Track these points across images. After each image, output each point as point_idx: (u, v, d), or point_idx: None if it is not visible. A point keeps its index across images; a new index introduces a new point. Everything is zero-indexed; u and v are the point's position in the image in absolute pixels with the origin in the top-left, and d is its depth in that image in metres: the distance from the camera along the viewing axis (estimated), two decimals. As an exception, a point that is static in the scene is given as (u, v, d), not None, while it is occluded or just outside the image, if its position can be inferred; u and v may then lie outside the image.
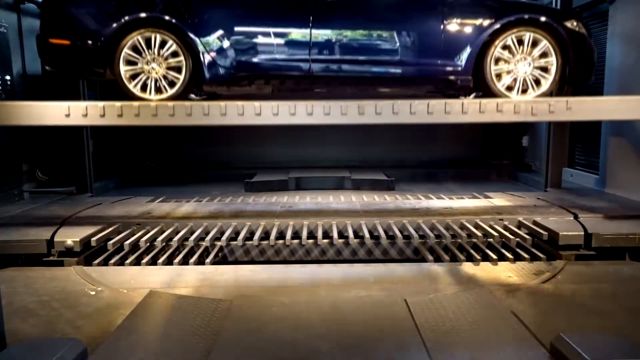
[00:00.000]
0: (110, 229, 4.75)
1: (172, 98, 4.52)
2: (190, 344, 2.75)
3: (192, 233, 4.77)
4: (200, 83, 4.62)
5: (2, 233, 4.50)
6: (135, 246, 4.62)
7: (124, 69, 4.48)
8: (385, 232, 4.80)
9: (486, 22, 4.54)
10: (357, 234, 4.85)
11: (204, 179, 8.18)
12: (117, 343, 2.74)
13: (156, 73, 4.49)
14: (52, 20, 4.62)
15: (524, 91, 4.59)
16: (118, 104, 4.25)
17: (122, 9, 4.48)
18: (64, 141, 6.50)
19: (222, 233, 4.79)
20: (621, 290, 3.58)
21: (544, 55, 4.56)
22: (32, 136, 6.36)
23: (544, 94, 4.60)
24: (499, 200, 5.84)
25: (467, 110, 4.25)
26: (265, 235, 4.80)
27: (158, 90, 4.53)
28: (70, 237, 4.38)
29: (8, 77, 5.91)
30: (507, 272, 4.01)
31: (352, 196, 6.21)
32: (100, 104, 4.26)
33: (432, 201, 5.84)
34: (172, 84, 4.52)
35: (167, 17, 4.44)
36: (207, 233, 4.77)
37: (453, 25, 4.59)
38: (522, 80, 4.58)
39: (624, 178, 5.86)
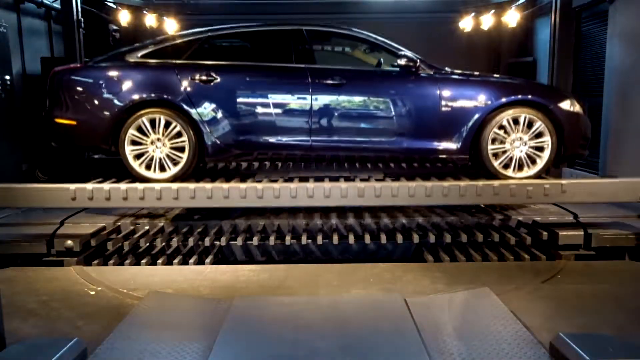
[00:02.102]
0: (109, 229, 4.75)
1: (176, 176, 4.57)
2: (190, 343, 2.75)
3: (192, 233, 4.77)
4: (204, 157, 4.76)
5: (2, 233, 4.50)
6: (134, 246, 4.62)
7: (128, 149, 4.54)
8: (386, 232, 4.79)
9: (482, 104, 4.60)
10: (357, 234, 4.85)
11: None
12: (117, 343, 2.74)
13: (161, 152, 4.54)
14: (58, 101, 4.68)
15: (520, 166, 4.65)
16: (124, 186, 4.31)
17: (128, 91, 4.56)
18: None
19: (222, 233, 4.79)
20: (621, 290, 3.59)
21: (539, 134, 4.60)
22: (32, 136, 6.36)
23: (539, 172, 4.67)
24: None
25: (465, 193, 4.31)
26: (265, 235, 4.80)
27: (162, 167, 4.58)
28: (70, 237, 4.37)
29: (7, 77, 5.91)
30: (507, 272, 4.01)
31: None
32: (106, 187, 4.32)
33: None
34: (175, 162, 4.57)
35: (171, 99, 4.54)
36: (207, 233, 4.77)
37: (449, 108, 4.65)
38: (518, 158, 4.64)
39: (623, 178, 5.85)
